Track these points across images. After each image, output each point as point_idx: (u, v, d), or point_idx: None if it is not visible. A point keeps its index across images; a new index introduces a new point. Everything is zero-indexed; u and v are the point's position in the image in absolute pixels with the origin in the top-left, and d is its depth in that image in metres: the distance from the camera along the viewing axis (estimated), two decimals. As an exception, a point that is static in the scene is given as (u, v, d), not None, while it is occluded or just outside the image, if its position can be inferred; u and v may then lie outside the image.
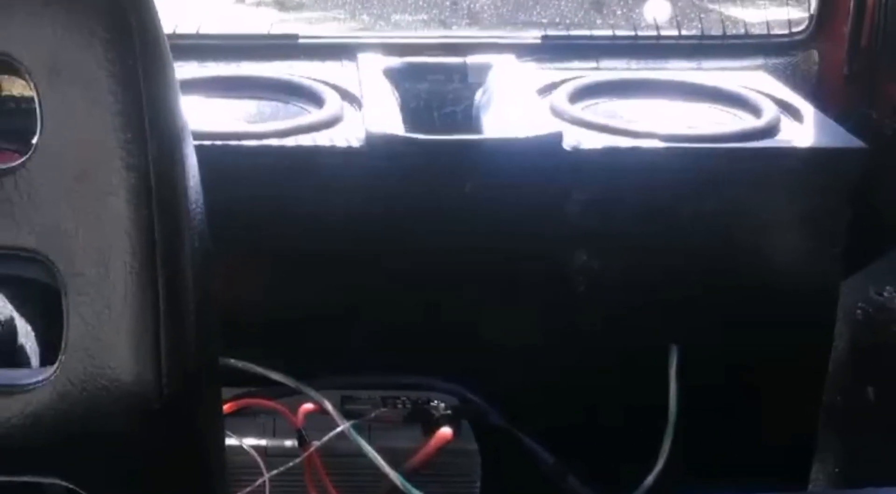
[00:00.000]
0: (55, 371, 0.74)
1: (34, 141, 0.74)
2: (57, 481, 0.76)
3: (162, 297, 0.72)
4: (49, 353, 0.78)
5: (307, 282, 1.84)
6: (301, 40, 2.12)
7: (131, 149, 0.72)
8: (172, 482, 0.76)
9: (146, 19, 0.74)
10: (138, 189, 0.72)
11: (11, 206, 0.74)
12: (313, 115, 1.89)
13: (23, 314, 1.13)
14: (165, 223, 0.72)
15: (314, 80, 2.00)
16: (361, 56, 2.07)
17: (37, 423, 0.74)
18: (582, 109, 1.95)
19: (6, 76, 1.56)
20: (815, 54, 2.16)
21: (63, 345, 0.73)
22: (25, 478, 0.76)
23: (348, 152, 1.79)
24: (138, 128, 0.72)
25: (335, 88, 1.98)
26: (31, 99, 0.73)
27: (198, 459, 0.77)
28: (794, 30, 2.17)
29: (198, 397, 0.75)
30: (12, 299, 1.16)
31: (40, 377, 0.74)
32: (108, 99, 0.72)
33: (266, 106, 1.95)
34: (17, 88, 1.59)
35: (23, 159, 0.74)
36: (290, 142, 1.79)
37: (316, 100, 1.94)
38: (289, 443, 1.73)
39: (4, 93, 1.59)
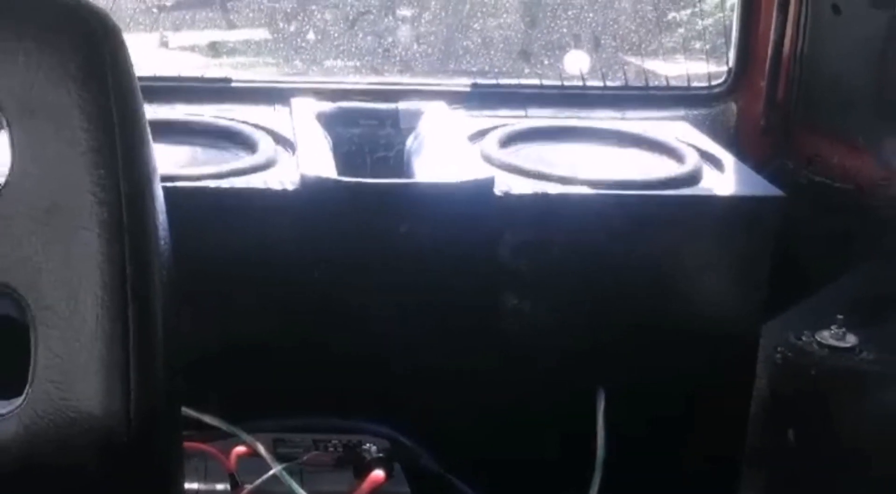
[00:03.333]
0: (22, 403, 0.74)
1: (5, 175, 0.74)
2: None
3: (132, 330, 0.73)
4: (12, 386, 0.78)
5: (239, 324, 1.84)
6: (234, 84, 2.13)
7: (104, 185, 0.73)
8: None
9: (119, 58, 0.75)
10: (110, 224, 0.72)
11: (-20, 240, 0.74)
12: (248, 158, 1.91)
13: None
14: (136, 258, 0.73)
15: (248, 124, 2.01)
16: (294, 100, 2.09)
17: (2, 454, 0.74)
18: (512, 155, 1.99)
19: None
20: (733, 106, 2.23)
21: (30, 377, 0.74)
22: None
23: (283, 195, 1.80)
24: (111, 165, 0.73)
25: (269, 131, 2.00)
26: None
27: (161, 490, 0.77)
28: (714, 82, 2.24)
29: (164, 430, 0.75)
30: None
31: (6, 410, 0.74)
32: (81, 136, 0.73)
33: (200, 150, 1.96)
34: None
35: (-8, 194, 0.74)
36: (225, 184, 1.80)
37: (250, 144, 1.95)
38: (220, 487, 1.72)
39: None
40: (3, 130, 0.74)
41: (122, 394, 0.73)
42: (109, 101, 0.74)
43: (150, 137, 0.78)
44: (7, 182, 0.75)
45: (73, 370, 0.73)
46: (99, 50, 0.75)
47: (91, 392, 0.73)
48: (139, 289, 0.73)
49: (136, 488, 0.76)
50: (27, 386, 0.74)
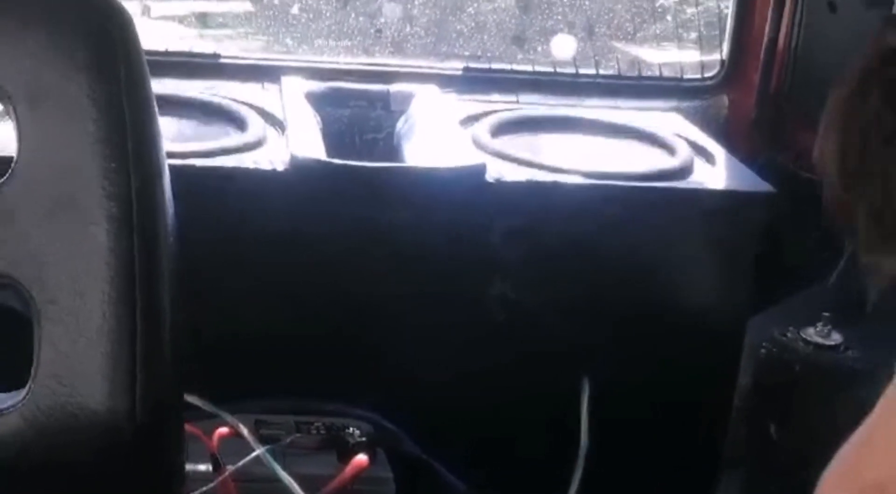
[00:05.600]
0: (24, 398, 0.72)
1: (12, 164, 0.73)
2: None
3: (139, 328, 0.71)
4: (15, 378, 0.76)
5: (224, 304, 1.83)
6: (223, 60, 2.10)
7: (114, 179, 0.71)
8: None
9: (130, 46, 0.73)
10: (119, 220, 0.71)
11: (-16, 230, 0.72)
12: (237, 137, 1.88)
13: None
14: (145, 255, 0.71)
15: (237, 102, 1.99)
16: (285, 79, 2.07)
17: (3, 449, 0.72)
18: (504, 142, 1.98)
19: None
20: (725, 99, 2.23)
21: (33, 372, 0.72)
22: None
23: (272, 175, 1.79)
24: (122, 157, 0.71)
25: (258, 110, 1.98)
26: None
27: (163, 486, 0.76)
28: (706, 74, 2.23)
29: (169, 426, 0.74)
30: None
31: (7, 404, 0.73)
32: (91, 127, 0.71)
33: (189, 126, 1.94)
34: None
35: (-3, 184, 0.73)
36: (214, 163, 1.78)
37: (239, 122, 1.93)
38: (203, 467, 1.71)
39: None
40: (10, 119, 0.72)
41: (127, 392, 0.72)
42: (120, 91, 0.73)
43: (160, 129, 0.77)
44: (13, 172, 0.73)
45: (78, 366, 0.72)
46: (110, 39, 0.73)
47: (96, 390, 0.72)
48: (147, 287, 0.72)
49: (138, 483, 0.75)
50: (30, 381, 0.73)
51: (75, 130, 0.73)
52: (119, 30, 0.74)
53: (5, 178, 0.74)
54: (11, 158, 0.75)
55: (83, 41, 0.73)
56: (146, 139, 0.74)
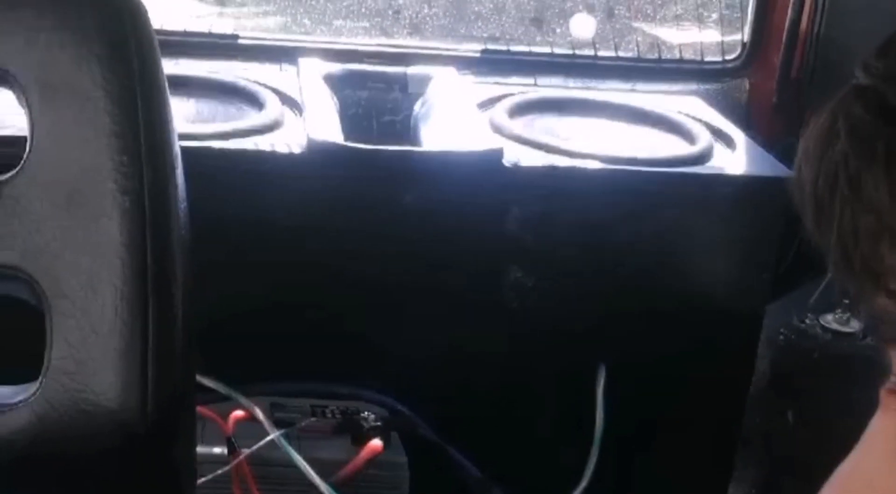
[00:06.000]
0: (35, 393, 0.72)
1: (23, 156, 0.72)
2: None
3: (151, 323, 0.71)
4: (25, 371, 0.76)
5: (240, 287, 1.82)
6: (241, 41, 2.09)
7: (127, 172, 0.70)
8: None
9: (144, 38, 0.72)
10: (132, 214, 0.70)
11: (-6, 220, 0.72)
12: (254, 118, 1.88)
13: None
14: (158, 250, 0.70)
15: (255, 82, 1.98)
16: (302, 60, 2.06)
17: (13, 445, 0.72)
18: (521, 126, 1.96)
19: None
20: (745, 82, 2.20)
21: (44, 366, 0.72)
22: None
23: (289, 158, 1.78)
24: (135, 151, 0.70)
25: (275, 91, 1.97)
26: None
27: (174, 482, 0.75)
28: (727, 57, 2.21)
29: (180, 421, 0.74)
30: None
31: (18, 398, 0.72)
32: (104, 120, 0.70)
33: (205, 106, 1.93)
34: None
35: (9, 174, 0.72)
36: (231, 145, 1.77)
37: (257, 103, 1.92)
38: (218, 450, 1.71)
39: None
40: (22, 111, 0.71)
41: (139, 389, 0.71)
42: (134, 83, 0.72)
43: (173, 121, 0.76)
44: (25, 164, 0.72)
45: (90, 362, 0.71)
46: (124, 30, 0.72)
47: (107, 386, 0.71)
48: (160, 283, 0.71)
49: (148, 477, 0.75)
50: (41, 376, 0.72)
51: (88, 123, 0.72)
52: (133, 21, 0.73)
53: (17, 170, 0.73)
54: (25, 137, 0.73)
55: (97, 33, 0.72)
56: (160, 132, 0.73)
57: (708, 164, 1.92)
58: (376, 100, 2.05)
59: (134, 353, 0.71)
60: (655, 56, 2.21)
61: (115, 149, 0.72)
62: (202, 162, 1.75)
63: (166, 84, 0.76)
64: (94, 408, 0.72)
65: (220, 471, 1.68)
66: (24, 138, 0.74)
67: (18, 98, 0.71)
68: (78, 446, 0.73)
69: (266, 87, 1.97)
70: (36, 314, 0.74)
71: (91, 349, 0.71)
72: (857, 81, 0.61)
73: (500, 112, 1.98)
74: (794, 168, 0.67)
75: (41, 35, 0.72)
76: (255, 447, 1.71)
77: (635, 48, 2.20)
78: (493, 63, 2.16)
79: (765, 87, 2.17)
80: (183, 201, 0.75)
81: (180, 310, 0.73)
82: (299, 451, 1.71)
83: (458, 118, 1.95)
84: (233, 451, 1.71)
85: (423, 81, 2.06)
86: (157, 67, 0.74)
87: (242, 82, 1.98)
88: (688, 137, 1.99)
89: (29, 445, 0.73)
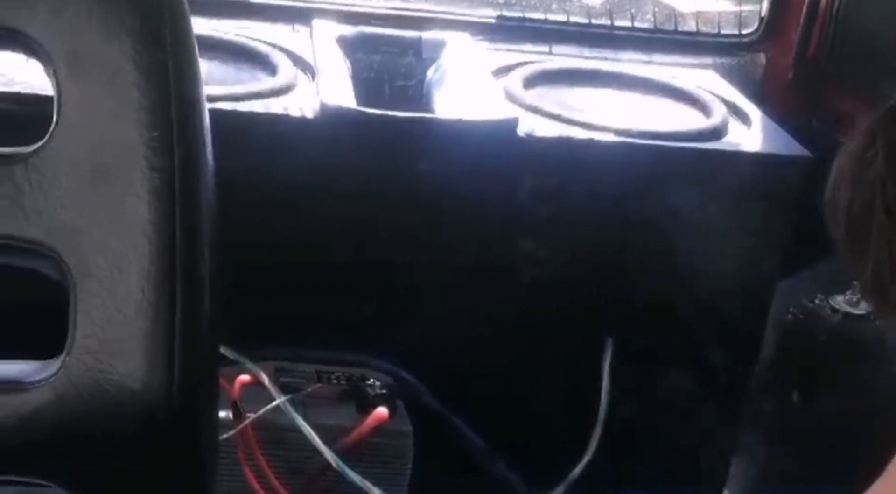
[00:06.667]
0: (57, 371, 0.71)
1: (50, 129, 0.70)
2: (51, 484, 0.73)
3: (178, 305, 0.69)
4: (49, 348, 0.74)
5: (248, 251, 1.80)
6: (255, 0, 2.07)
7: (157, 149, 0.68)
8: (169, 487, 0.74)
9: (178, 12, 0.70)
10: (162, 193, 0.68)
11: (20, 195, 0.70)
12: (267, 81, 1.85)
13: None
14: (187, 230, 0.69)
15: (268, 44, 1.95)
16: (316, 22, 2.03)
17: (33, 423, 0.71)
18: (536, 96, 1.94)
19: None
20: (761, 57, 2.18)
21: (67, 345, 0.70)
22: (16, 478, 0.73)
23: (301, 122, 1.76)
24: (166, 127, 0.68)
25: (288, 53, 1.94)
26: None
27: (197, 463, 0.74)
28: (744, 31, 2.19)
29: (205, 401, 0.72)
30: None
31: (40, 376, 0.71)
32: (135, 94, 0.69)
33: (218, 68, 1.90)
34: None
35: (35, 147, 0.70)
36: (243, 107, 1.75)
37: (269, 66, 1.89)
38: (223, 414, 1.71)
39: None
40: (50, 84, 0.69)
41: (165, 370, 0.70)
42: (166, 57, 0.70)
43: (205, 98, 0.74)
44: (52, 137, 0.71)
45: (115, 342, 0.70)
46: (157, 2, 0.70)
47: (132, 367, 0.70)
48: (188, 263, 0.69)
49: (172, 460, 0.74)
50: (64, 354, 0.71)
51: (117, 97, 0.70)
52: (166, -8, 0.71)
53: (42, 142, 0.71)
54: (51, 97, 0.72)
55: (128, 4, 0.70)
56: (191, 108, 0.71)
57: (723, 139, 1.90)
58: (389, 64, 2.03)
59: (160, 335, 0.70)
60: (672, 27, 2.18)
61: (144, 124, 0.70)
62: (213, 124, 1.74)
63: (198, 59, 0.74)
64: (116, 389, 0.70)
65: (225, 435, 1.67)
66: (51, 99, 0.72)
67: (46, 69, 0.69)
68: (100, 427, 0.71)
69: (279, 48, 1.94)
70: (59, 291, 0.72)
71: (116, 330, 0.69)
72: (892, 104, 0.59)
73: (515, 81, 1.96)
74: (828, 187, 0.65)
75: (70, 7, 0.70)
76: (260, 411, 1.70)
77: (652, 19, 2.17)
78: (508, 30, 2.13)
79: (781, 63, 2.15)
80: (212, 179, 0.74)
81: (208, 292, 0.71)
82: (304, 417, 1.71)
83: (473, 86, 1.93)
84: (238, 415, 1.70)
85: (438, 46, 2.04)
86: (190, 41, 0.72)
87: (255, 44, 1.95)
88: (703, 111, 1.97)
89: (50, 423, 0.71)
